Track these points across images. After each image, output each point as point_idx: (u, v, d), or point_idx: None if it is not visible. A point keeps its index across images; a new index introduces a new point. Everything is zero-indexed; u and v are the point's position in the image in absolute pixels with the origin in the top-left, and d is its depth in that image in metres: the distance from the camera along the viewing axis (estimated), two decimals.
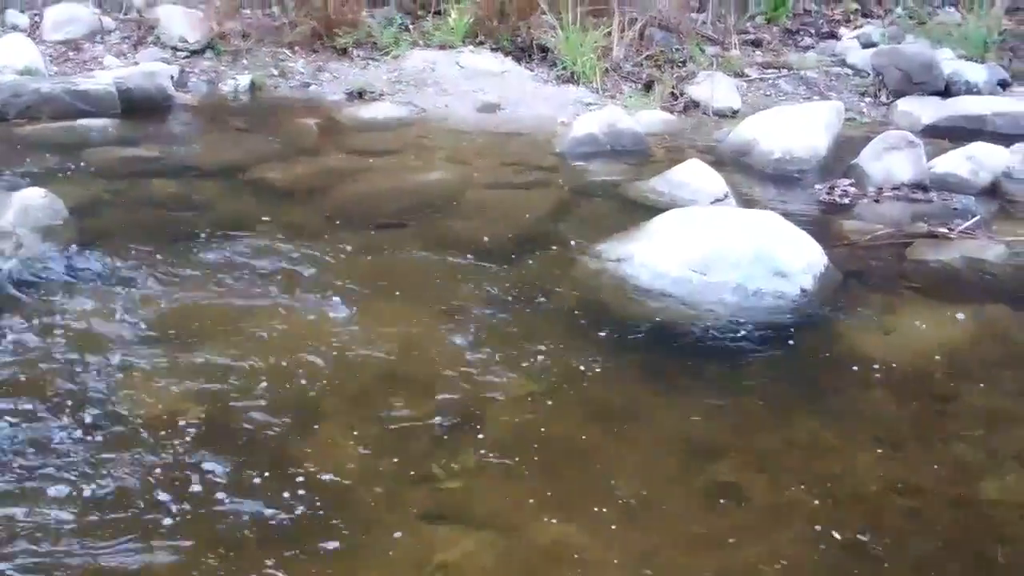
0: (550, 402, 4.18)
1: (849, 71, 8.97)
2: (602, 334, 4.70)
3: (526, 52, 8.79)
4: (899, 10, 10.16)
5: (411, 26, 9.06)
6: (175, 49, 8.45)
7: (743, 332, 4.76)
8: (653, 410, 4.20)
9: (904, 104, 8.17)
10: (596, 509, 3.58)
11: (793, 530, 3.56)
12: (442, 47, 8.75)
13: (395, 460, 3.76)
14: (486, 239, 5.59)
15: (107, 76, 7.59)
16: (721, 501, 3.69)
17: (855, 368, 4.54)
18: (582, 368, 4.42)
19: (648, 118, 7.74)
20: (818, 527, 3.55)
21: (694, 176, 6.31)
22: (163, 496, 3.50)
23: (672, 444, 3.99)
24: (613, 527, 3.50)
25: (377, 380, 4.25)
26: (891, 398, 4.37)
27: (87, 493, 3.48)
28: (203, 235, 5.41)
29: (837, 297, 5.13)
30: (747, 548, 3.44)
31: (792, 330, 4.83)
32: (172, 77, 7.88)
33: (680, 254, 5.13)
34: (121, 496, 3.48)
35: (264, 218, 5.71)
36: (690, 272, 5.06)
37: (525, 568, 3.32)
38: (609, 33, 8.60)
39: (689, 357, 4.58)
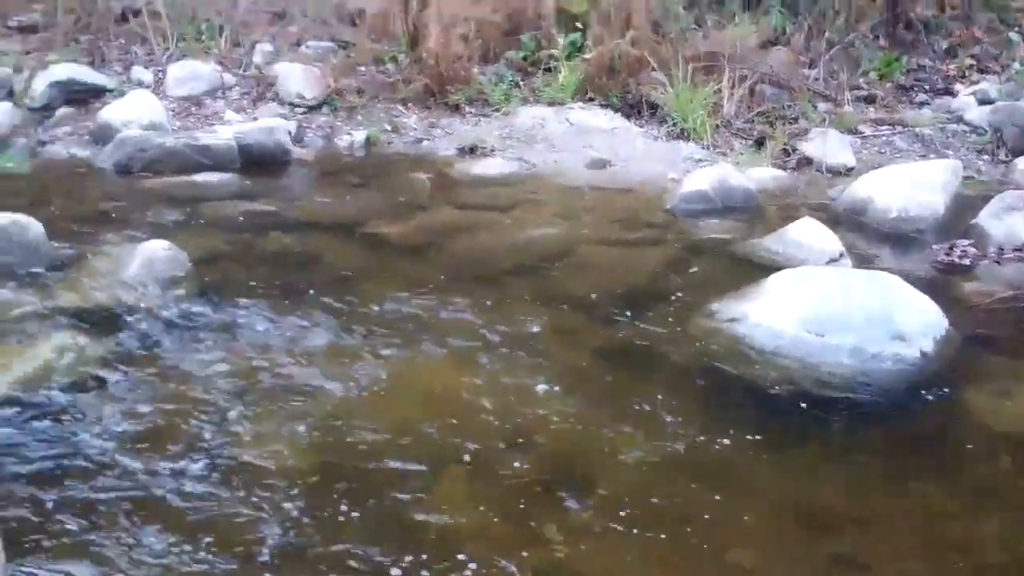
0: (662, 465, 4.16)
1: (966, 128, 8.81)
2: (716, 395, 4.67)
3: (635, 109, 8.81)
4: (1016, 65, 9.96)
5: (521, 83, 9.15)
6: (293, 105, 8.65)
7: (861, 396, 4.68)
8: (768, 475, 4.14)
9: None
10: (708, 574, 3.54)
11: None
12: (551, 103, 8.82)
13: (506, 518, 3.77)
14: (596, 296, 5.60)
15: (227, 131, 7.79)
16: (838, 572, 3.61)
17: (977, 435, 4.44)
18: (695, 430, 4.39)
19: (759, 175, 7.69)
20: None
21: (808, 234, 6.24)
22: (273, 548, 3.55)
23: (788, 511, 3.93)
24: None
25: (488, 437, 4.27)
26: (1014, 467, 4.26)
27: (200, 545, 3.54)
28: (319, 288, 5.50)
29: (958, 361, 5.01)
30: None
31: (912, 395, 4.73)
32: (290, 132, 8.05)
33: (796, 314, 5.07)
34: (237, 545, 3.53)
35: (379, 273, 5.80)
36: (806, 333, 4.99)
37: None
38: (719, 90, 8.58)
39: (805, 421, 4.52)
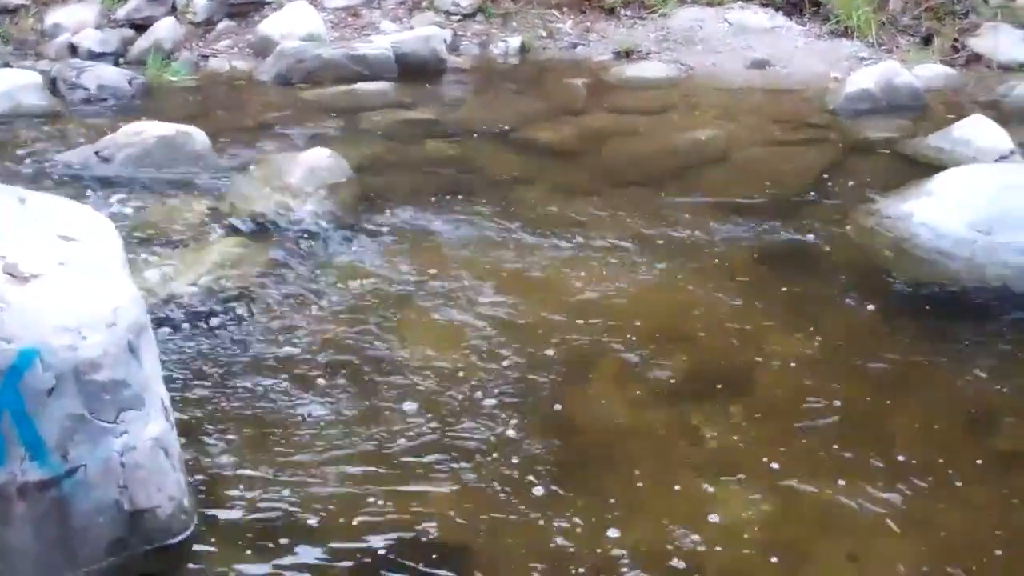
0: (824, 363, 4.10)
1: None
2: (879, 294, 4.57)
3: (797, 7, 8.55)
4: None
5: None
6: (448, 13, 8.65)
7: None
8: (931, 374, 4.05)
9: None
10: (871, 474, 3.50)
11: None
12: (710, 4, 8.63)
13: (667, 416, 3.79)
14: (757, 197, 5.52)
15: (384, 41, 7.86)
16: (1001, 470, 3.53)
17: None
18: (857, 328, 4.32)
19: (926, 72, 7.41)
20: None
21: (977, 132, 6.01)
22: (434, 439, 3.64)
23: (952, 410, 3.85)
24: (888, 493, 3.41)
25: (647, 337, 4.27)
26: None
27: (368, 442, 3.65)
28: (478, 193, 5.56)
29: None
30: None
31: None
32: (445, 41, 8.07)
33: (963, 213, 4.90)
34: (401, 446, 3.63)
35: (536, 177, 5.82)
36: (974, 232, 4.82)
37: (796, 529, 3.28)
38: None
39: (971, 320, 4.41)
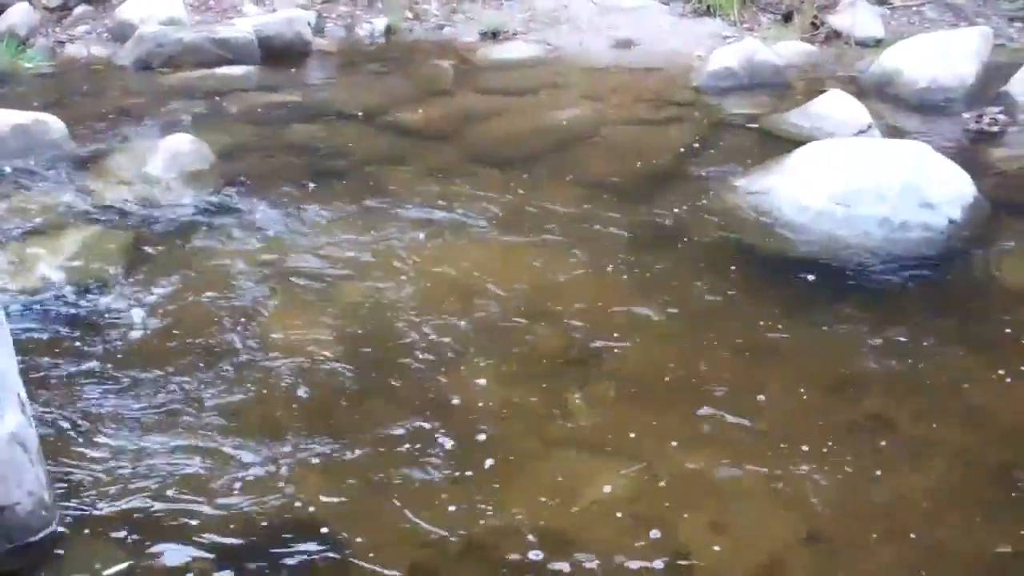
0: (690, 336, 4.16)
1: None
2: (742, 268, 4.65)
3: None
4: None
5: None
6: None
7: (889, 265, 4.66)
8: (795, 343, 4.14)
9: None
10: (736, 441, 3.57)
11: (940, 462, 3.51)
12: None
13: (534, 392, 3.80)
14: (622, 175, 5.58)
15: (247, 24, 7.72)
16: (866, 433, 3.63)
17: (1005, 299, 4.43)
18: (721, 302, 4.39)
19: (787, 50, 7.57)
20: (966, 459, 3.49)
21: (836, 107, 6.16)
22: (306, 424, 3.60)
23: (815, 377, 3.93)
24: (753, 459, 3.48)
25: (515, 315, 4.29)
26: None
27: (232, 431, 3.59)
28: (345, 176, 5.51)
29: (987, 227, 4.98)
30: (891, 480, 3.40)
31: (940, 262, 4.72)
32: (309, 23, 7.96)
33: (823, 187, 5.02)
34: (266, 434, 3.58)
35: (403, 159, 5.79)
36: (833, 205, 4.95)
37: (664, 498, 3.32)
38: None
39: (832, 290, 4.50)
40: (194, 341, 4.04)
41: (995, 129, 6.23)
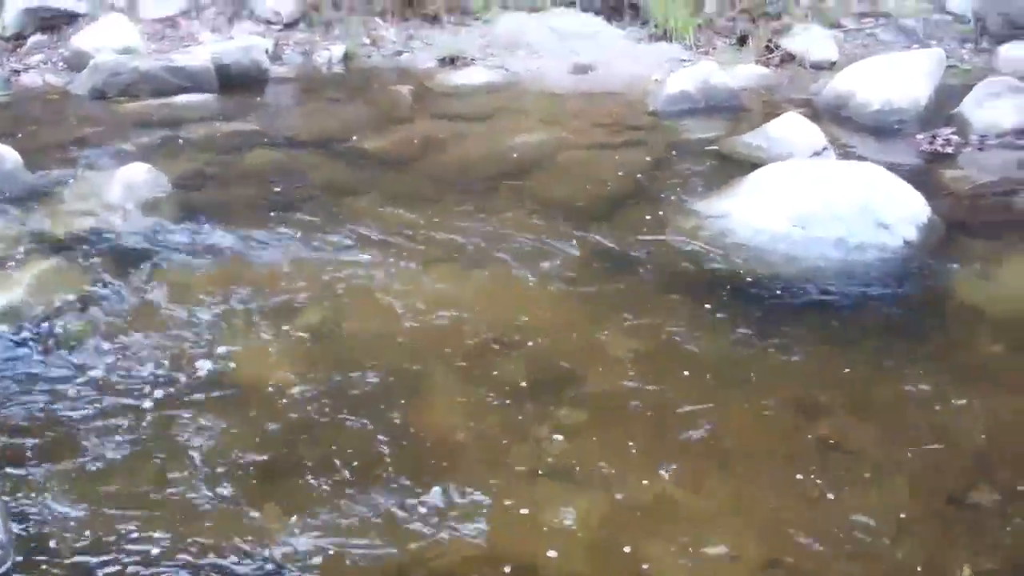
0: (652, 361, 4.17)
1: (949, 17, 8.69)
2: (703, 291, 4.67)
3: (617, 11, 8.71)
4: None
5: None
6: (269, 22, 8.54)
7: (846, 286, 4.70)
8: (756, 367, 4.15)
9: (1007, 50, 7.88)
10: (699, 466, 3.58)
11: (902, 483, 3.52)
12: (533, 9, 8.70)
13: (498, 419, 3.79)
14: (582, 199, 5.59)
15: (204, 52, 7.70)
16: (826, 456, 3.64)
17: (959, 319, 4.48)
18: (682, 326, 4.40)
19: (743, 73, 7.64)
20: (927, 481, 3.51)
21: (791, 130, 6.21)
22: (268, 456, 3.58)
23: (777, 400, 3.94)
24: (716, 484, 3.50)
25: (478, 341, 4.28)
26: (998, 348, 4.28)
27: (191, 462, 3.56)
28: (304, 205, 5.49)
29: (941, 248, 5.03)
30: (855, 501, 3.41)
31: (896, 282, 4.77)
32: (267, 50, 7.96)
33: (779, 209, 5.07)
34: (223, 463, 3.56)
35: (362, 187, 5.78)
36: (790, 227, 4.99)
37: (629, 524, 3.32)
38: None
39: (791, 313, 4.53)
40: (152, 372, 4.01)
41: (948, 150, 6.30)
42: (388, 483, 3.47)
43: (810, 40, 8.12)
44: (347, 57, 8.18)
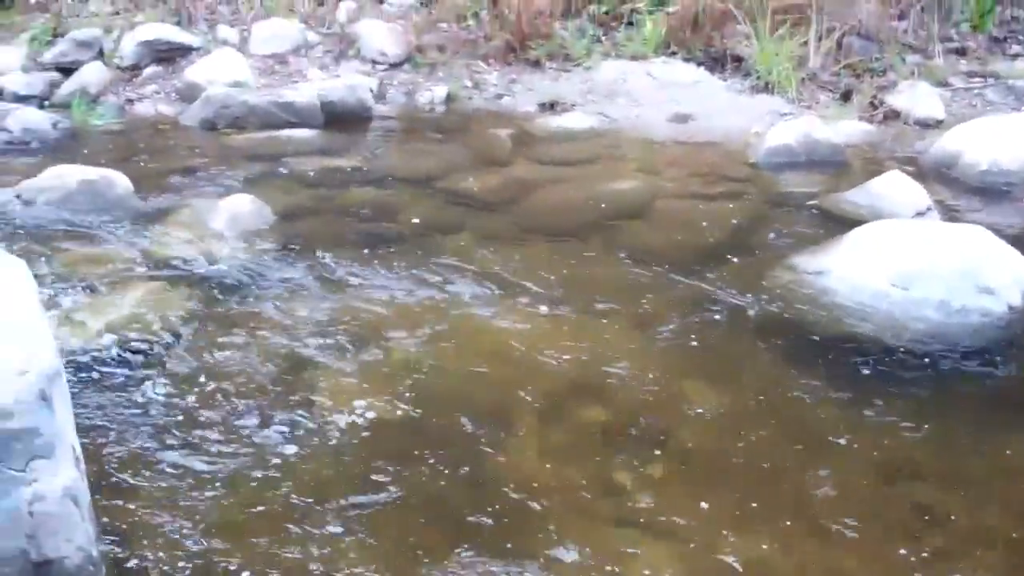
0: (743, 417, 4.13)
1: None
2: (797, 348, 4.62)
3: (719, 62, 8.68)
4: None
5: (603, 37, 9.05)
6: (375, 62, 8.68)
7: (946, 350, 4.60)
8: (850, 429, 4.08)
9: None
10: (789, 528, 3.53)
11: (995, 556, 3.43)
12: (634, 58, 8.71)
13: (584, 470, 3.78)
14: (677, 250, 5.57)
15: (311, 88, 7.85)
16: (920, 525, 3.58)
17: None
18: (776, 383, 4.35)
19: (846, 128, 7.55)
20: (1020, 554, 3.41)
21: (894, 188, 6.12)
22: (353, 497, 3.60)
23: (870, 465, 3.88)
24: (806, 547, 3.44)
25: (567, 389, 4.28)
26: None
27: (280, 491, 3.61)
28: (400, 241, 5.56)
29: None
30: (947, 572, 3.33)
31: (998, 349, 4.66)
32: (372, 89, 8.08)
33: (880, 268, 4.99)
34: (314, 495, 3.59)
35: (458, 226, 5.83)
36: (891, 287, 4.91)
37: None
38: (806, 42, 8.43)
39: (889, 375, 4.46)
40: (247, 399, 4.08)
41: None
42: (468, 524, 3.47)
43: (916, 97, 8.00)
44: (449, 98, 8.27)
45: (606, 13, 9.24)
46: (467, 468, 3.76)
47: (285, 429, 3.92)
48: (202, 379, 4.22)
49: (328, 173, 6.62)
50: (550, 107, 8.15)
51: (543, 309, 4.91)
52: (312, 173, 6.61)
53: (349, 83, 8.02)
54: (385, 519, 3.49)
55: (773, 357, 4.57)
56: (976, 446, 3.99)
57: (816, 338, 4.72)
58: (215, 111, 7.50)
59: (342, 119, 7.64)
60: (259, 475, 3.67)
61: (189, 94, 7.86)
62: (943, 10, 9.33)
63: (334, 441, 3.87)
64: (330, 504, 3.54)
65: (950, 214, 6.10)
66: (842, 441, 4.01)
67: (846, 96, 8.18)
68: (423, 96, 8.32)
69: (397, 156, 7.16)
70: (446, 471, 3.73)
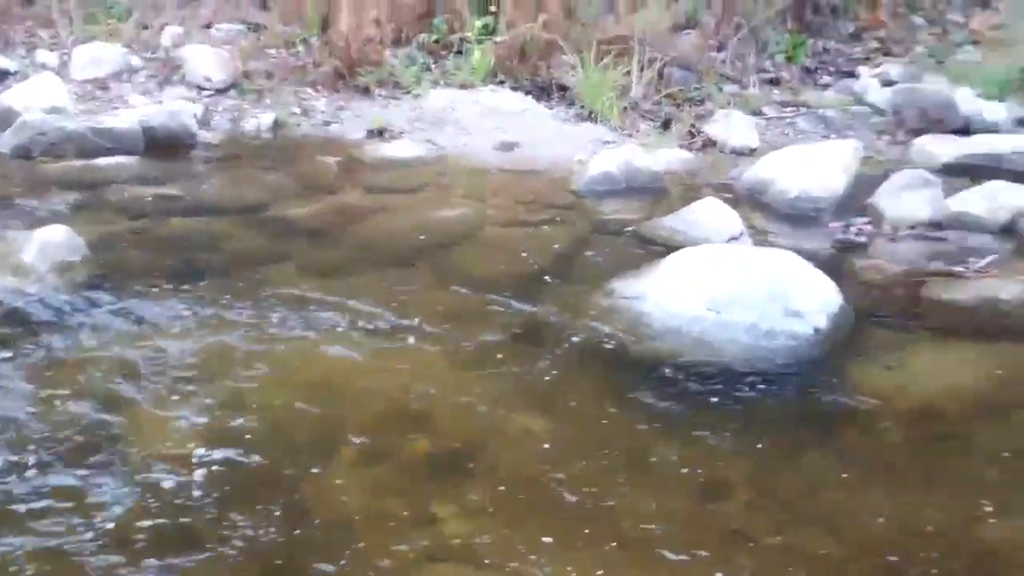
0: (559, 442, 4.19)
1: (867, 109, 8.95)
2: (613, 373, 4.72)
3: (545, 91, 8.85)
4: (919, 49, 10.18)
5: (433, 66, 9.14)
6: (200, 88, 8.56)
7: (755, 372, 4.76)
8: (662, 451, 4.18)
9: (922, 142, 8.11)
10: (607, 553, 3.58)
11: (801, 571, 3.55)
12: (463, 86, 8.81)
13: (402, 499, 3.78)
14: (499, 277, 5.64)
15: (132, 114, 7.69)
16: (733, 545, 3.67)
17: (867, 409, 4.53)
18: (592, 408, 4.44)
19: (665, 156, 7.75)
20: (827, 568, 3.55)
21: (709, 214, 6.32)
22: (167, 533, 3.53)
23: (681, 486, 3.98)
24: (620, 569, 3.50)
25: (391, 420, 4.28)
26: (903, 439, 4.36)
27: (91, 531, 3.51)
28: (221, 273, 5.47)
29: (851, 337, 5.12)
30: None
31: (805, 370, 4.83)
32: (196, 115, 7.95)
33: (694, 292, 5.14)
34: (125, 533, 3.51)
35: (284, 257, 5.78)
36: (704, 311, 5.06)
37: None
38: (628, 72, 8.64)
39: (700, 397, 4.58)
40: (53, 447, 3.94)
41: (862, 239, 6.45)
42: (286, 566, 3.43)
43: (731, 126, 8.29)
44: (276, 125, 8.20)
45: (436, 42, 9.33)
46: (284, 507, 3.71)
47: (94, 475, 3.81)
48: (6, 421, 4.07)
49: (148, 202, 6.48)
50: (379, 134, 8.16)
51: (369, 340, 4.90)
52: (131, 202, 6.46)
53: (172, 109, 7.88)
54: (198, 567, 3.41)
55: (593, 383, 4.65)
56: (783, 465, 4.13)
57: (632, 362, 4.83)
58: (30, 138, 7.27)
59: (164, 146, 7.51)
60: (61, 527, 3.53)
61: (3, 121, 7.59)
62: (759, 42, 9.71)
63: (145, 483, 3.77)
64: (136, 548, 3.45)
65: (762, 239, 6.32)
66: (660, 464, 4.11)
67: (666, 125, 8.42)
68: (249, 123, 8.23)
69: (221, 184, 7.05)
70: (263, 511, 3.67)
